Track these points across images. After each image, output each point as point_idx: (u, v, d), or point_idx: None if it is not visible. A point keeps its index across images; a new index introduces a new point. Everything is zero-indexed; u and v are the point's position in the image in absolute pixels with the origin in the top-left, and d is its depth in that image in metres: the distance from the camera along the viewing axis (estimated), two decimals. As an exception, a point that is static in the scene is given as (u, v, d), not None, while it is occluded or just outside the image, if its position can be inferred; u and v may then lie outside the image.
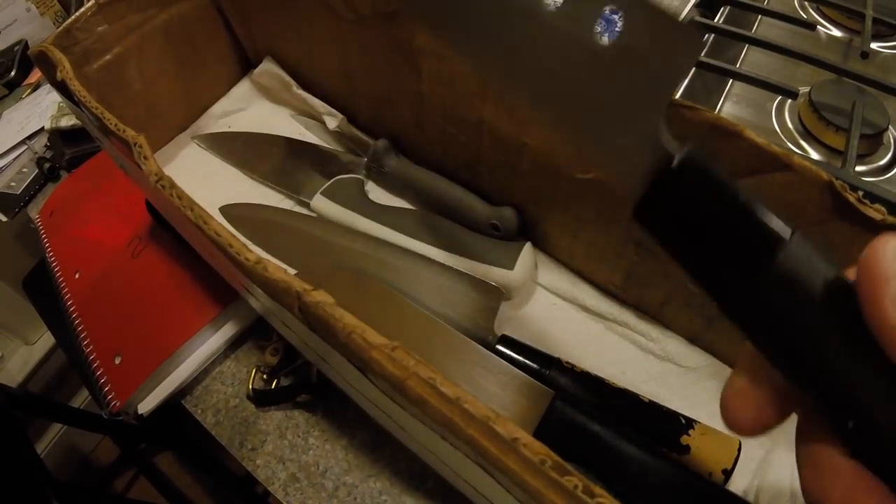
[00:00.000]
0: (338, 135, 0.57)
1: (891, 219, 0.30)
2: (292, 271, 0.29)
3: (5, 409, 0.96)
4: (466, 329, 0.44)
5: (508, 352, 0.42)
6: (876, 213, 0.31)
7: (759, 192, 0.34)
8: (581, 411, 0.36)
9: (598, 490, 0.21)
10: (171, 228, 0.58)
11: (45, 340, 1.38)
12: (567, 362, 0.41)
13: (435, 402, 0.24)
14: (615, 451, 0.35)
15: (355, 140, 0.56)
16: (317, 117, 0.58)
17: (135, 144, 0.37)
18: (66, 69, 0.44)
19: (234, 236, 0.31)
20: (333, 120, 0.56)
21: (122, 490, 1.40)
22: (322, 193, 0.52)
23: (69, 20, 0.51)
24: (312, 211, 0.52)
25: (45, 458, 0.94)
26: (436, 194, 0.50)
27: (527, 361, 0.41)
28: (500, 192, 0.49)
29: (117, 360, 0.55)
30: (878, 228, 0.31)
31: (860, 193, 0.32)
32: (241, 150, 0.57)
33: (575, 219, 0.45)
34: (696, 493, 0.35)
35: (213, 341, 0.54)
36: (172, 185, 0.34)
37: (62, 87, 0.45)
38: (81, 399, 1.45)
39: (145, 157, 0.36)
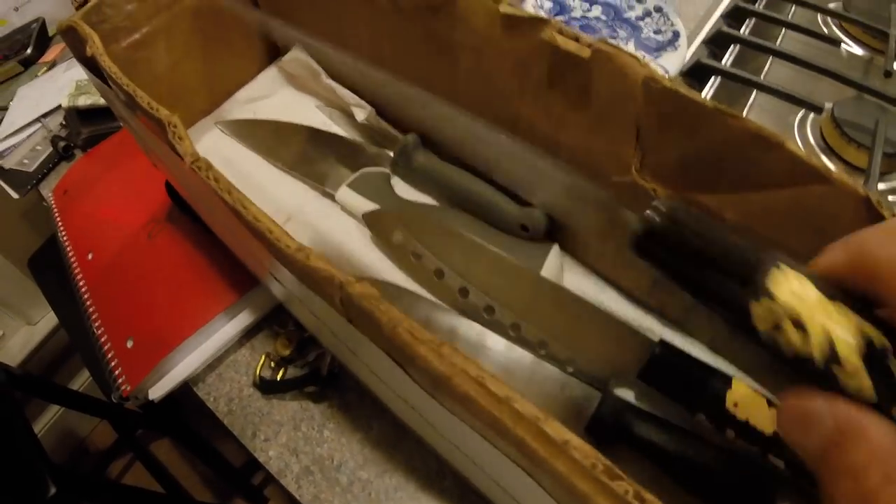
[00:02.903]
0: (364, 127, 0.57)
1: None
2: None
3: (5, 388, 0.95)
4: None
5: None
6: (911, 230, 0.31)
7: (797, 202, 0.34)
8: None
9: (648, 496, 0.21)
10: (189, 211, 0.58)
11: (48, 321, 1.37)
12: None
13: (482, 401, 0.24)
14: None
15: (383, 133, 0.56)
16: (344, 108, 0.58)
17: (169, 124, 0.36)
18: (96, 45, 0.43)
19: (273, 221, 0.30)
20: (362, 111, 0.55)
21: (118, 475, 1.40)
22: (348, 186, 0.51)
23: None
24: (337, 202, 0.52)
25: (41, 439, 0.93)
26: (464, 192, 0.49)
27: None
28: (530, 192, 0.49)
29: (129, 344, 0.54)
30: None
31: (896, 209, 0.32)
32: (265, 137, 0.57)
33: (607, 222, 0.44)
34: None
35: (228, 329, 0.54)
36: (209, 167, 0.34)
37: (90, 64, 0.44)
38: (81, 382, 1.44)
39: (180, 138, 0.36)
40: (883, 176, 0.60)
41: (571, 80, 0.39)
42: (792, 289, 0.22)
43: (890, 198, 0.60)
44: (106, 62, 0.42)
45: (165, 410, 1.17)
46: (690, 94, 0.35)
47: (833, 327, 0.21)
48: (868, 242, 0.22)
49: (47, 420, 1.39)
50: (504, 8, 0.39)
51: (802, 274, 0.23)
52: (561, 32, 0.38)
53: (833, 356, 0.21)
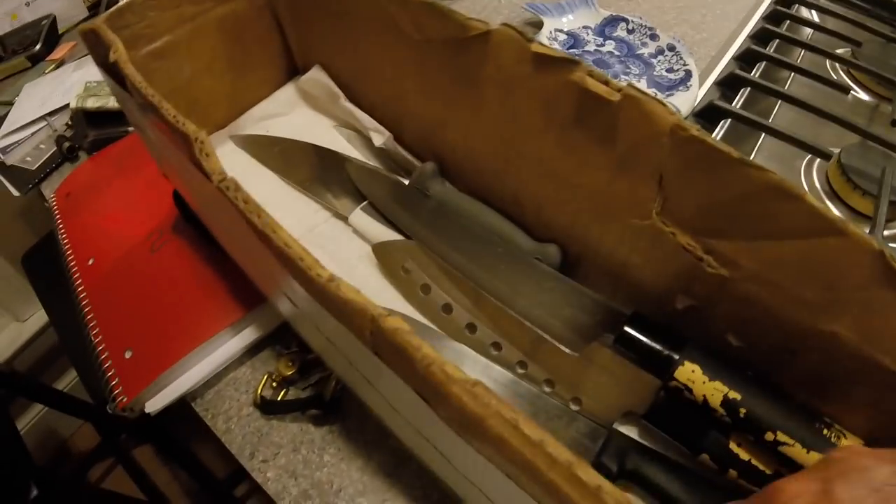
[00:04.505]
0: (381, 152, 0.57)
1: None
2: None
3: (-10, 385, 0.94)
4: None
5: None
6: (921, 283, 0.31)
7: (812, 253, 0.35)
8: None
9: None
10: (195, 223, 0.57)
11: (38, 319, 1.35)
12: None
13: (516, 444, 0.23)
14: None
15: (400, 160, 0.56)
16: (361, 132, 0.58)
17: (196, 140, 0.36)
18: (120, 51, 0.43)
19: (305, 249, 0.30)
20: (380, 137, 0.55)
21: (99, 478, 1.38)
22: (362, 209, 0.51)
23: (123, 1, 0.50)
24: (350, 225, 0.52)
25: (23, 437, 0.91)
26: (479, 224, 0.49)
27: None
28: (545, 228, 0.49)
29: (127, 355, 0.54)
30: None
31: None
32: (280, 155, 0.57)
33: (621, 264, 0.44)
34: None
35: (230, 346, 0.53)
36: (237, 188, 0.33)
37: (110, 68, 0.44)
38: (66, 382, 1.43)
39: (207, 155, 0.35)
40: (888, 223, 0.61)
41: (597, 122, 0.39)
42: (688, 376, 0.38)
43: (893, 245, 0.61)
44: (130, 70, 0.41)
45: (151, 418, 1.16)
46: (716, 144, 0.35)
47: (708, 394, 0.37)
48: None
49: (30, 419, 1.37)
50: (536, 47, 0.39)
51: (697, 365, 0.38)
52: (591, 75, 0.38)
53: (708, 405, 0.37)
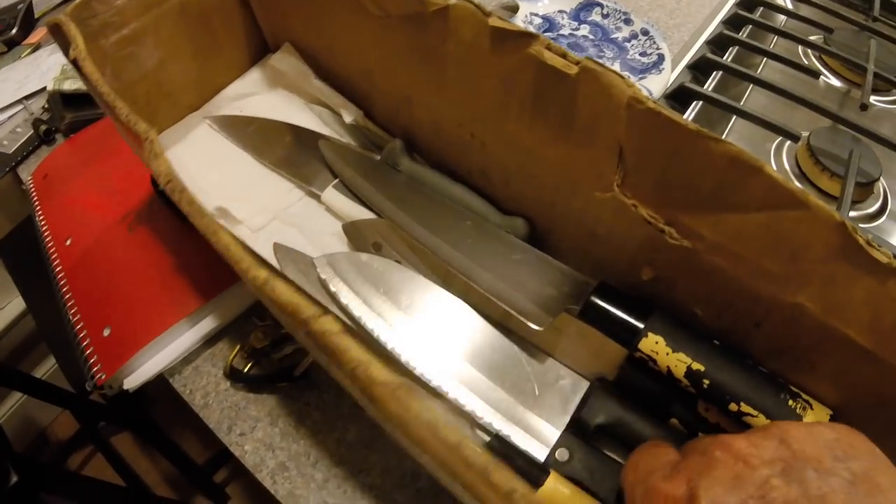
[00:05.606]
0: (353, 129, 0.57)
1: (896, 262, 0.31)
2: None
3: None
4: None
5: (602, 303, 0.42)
6: (883, 256, 0.31)
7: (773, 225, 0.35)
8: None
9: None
10: (171, 203, 0.57)
11: (15, 307, 1.34)
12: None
13: (436, 446, 0.24)
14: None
15: (371, 136, 0.56)
16: (332, 109, 0.58)
17: (146, 140, 0.36)
18: (79, 48, 0.43)
19: (244, 251, 0.31)
20: (350, 114, 0.56)
21: (78, 466, 1.38)
22: (334, 187, 0.52)
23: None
24: (323, 203, 0.52)
25: (2, 426, 0.91)
26: (448, 198, 0.50)
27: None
28: (513, 201, 0.50)
29: (106, 333, 0.54)
30: (883, 272, 0.32)
31: (870, 237, 0.32)
32: (254, 135, 0.57)
33: (587, 234, 0.45)
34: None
35: (206, 322, 0.54)
36: (182, 190, 0.34)
37: (75, 64, 0.44)
38: (45, 370, 1.42)
39: (156, 155, 0.36)
40: (854, 204, 0.62)
41: (557, 95, 0.40)
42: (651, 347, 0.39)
43: (860, 225, 0.62)
44: (88, 67, 0.42)
45: (129, 403, 1.16)
46: (673, 116, 0.36)
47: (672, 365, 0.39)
48: None
49: (9, 407, 1.36)
50: (493, 21, 0.40)
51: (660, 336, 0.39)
52: (549, 48, 0.39)
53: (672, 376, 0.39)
